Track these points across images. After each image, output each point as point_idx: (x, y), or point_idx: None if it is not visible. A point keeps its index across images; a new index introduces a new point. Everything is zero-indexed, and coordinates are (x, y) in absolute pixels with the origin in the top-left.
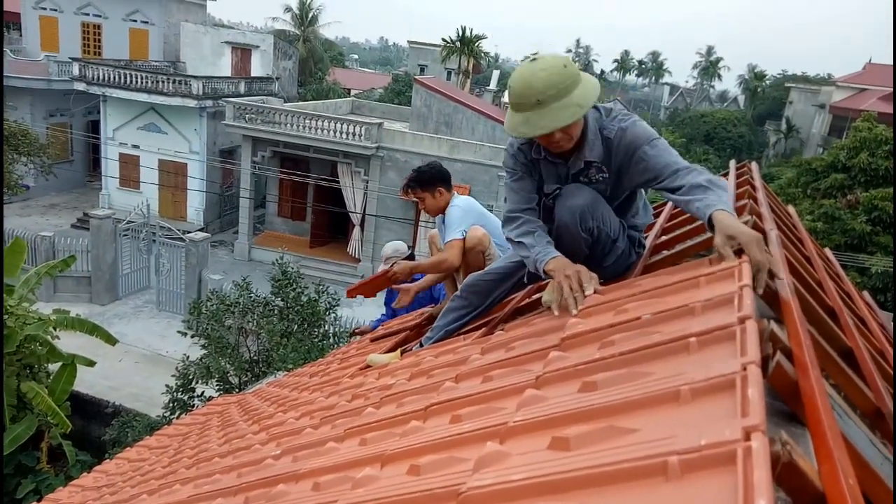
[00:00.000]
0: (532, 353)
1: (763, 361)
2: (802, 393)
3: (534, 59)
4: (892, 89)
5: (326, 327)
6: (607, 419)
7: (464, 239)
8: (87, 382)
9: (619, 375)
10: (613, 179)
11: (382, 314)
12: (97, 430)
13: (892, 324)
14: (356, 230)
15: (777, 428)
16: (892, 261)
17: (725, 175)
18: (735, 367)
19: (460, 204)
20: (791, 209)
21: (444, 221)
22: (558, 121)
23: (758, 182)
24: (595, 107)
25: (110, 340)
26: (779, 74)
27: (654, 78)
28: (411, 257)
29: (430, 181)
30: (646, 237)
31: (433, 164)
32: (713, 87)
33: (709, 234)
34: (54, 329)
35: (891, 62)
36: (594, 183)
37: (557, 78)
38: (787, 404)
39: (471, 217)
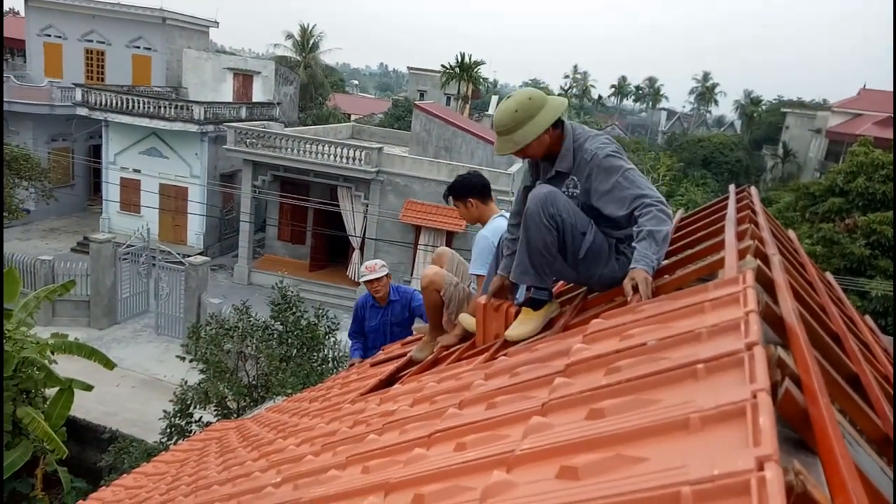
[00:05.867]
0: (537, 379)
1: (771, 388)
2: (813, 421)
3: (509, 96)
4: (887, 114)
5: (326, 352)
6: (616, 447)
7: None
8: (83, 408)
9: (626, 402)
10: (583, 197)
11: (354, 347)
12: (93, 456)
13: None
14: (356, 254)
15: (789, 457)
16: (892, 284)
17: (725, 200)
18: (745, 394)
19: (488, 234)
20: (791, 234)
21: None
22: (508, 148)
23: (758, 206)
24: (574, 130)
25: (108, 365)
26: (774, 100)
27: (651, 103)
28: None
29: (462, 191)
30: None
31: (471, 174)
32: (710, 112)
33: (713, 259)
34: (52, 353)
35: (885, 88)
36: (569, 197)
37: (511, 117)
38: (796, 431)
39: (493, 249)
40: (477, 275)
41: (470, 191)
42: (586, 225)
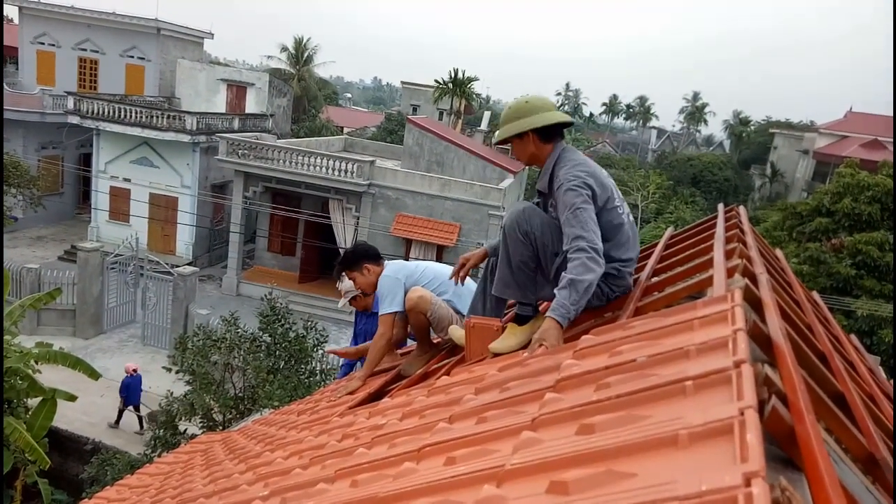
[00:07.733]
0: (527, 394)
1: (758, 406)
2: (799, 438)
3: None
4: (873, 137)
5: (314, 364)
6: (606, 463)
7: (395, 313)
8: (66, 418)
9: (616, 418)
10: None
11: (343, 371)
12: (75, 467)
13: (881, 368)
14: None
15: (775, 473)
16: (884, 302)
17: (714, 218)
18: (732, 411)
19: (388, 273)
20: (779, 253)
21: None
22: (502, 134)
23: (746, 226)
24: (562, 153)
25: (93, 375)
26: (763, 120)
27: (641, 121)
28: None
29: (355, 261)
30: (625, 272)
31: (357, 245)
32: (699, 131)
33: (702, 277)
34: (36, 362)
35: (871, 111)
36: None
37: (515, 107)
38: (782, 449)
39: (400, 283)
40: (388, 314)
41: (362, 257)
42: (559, 245)
